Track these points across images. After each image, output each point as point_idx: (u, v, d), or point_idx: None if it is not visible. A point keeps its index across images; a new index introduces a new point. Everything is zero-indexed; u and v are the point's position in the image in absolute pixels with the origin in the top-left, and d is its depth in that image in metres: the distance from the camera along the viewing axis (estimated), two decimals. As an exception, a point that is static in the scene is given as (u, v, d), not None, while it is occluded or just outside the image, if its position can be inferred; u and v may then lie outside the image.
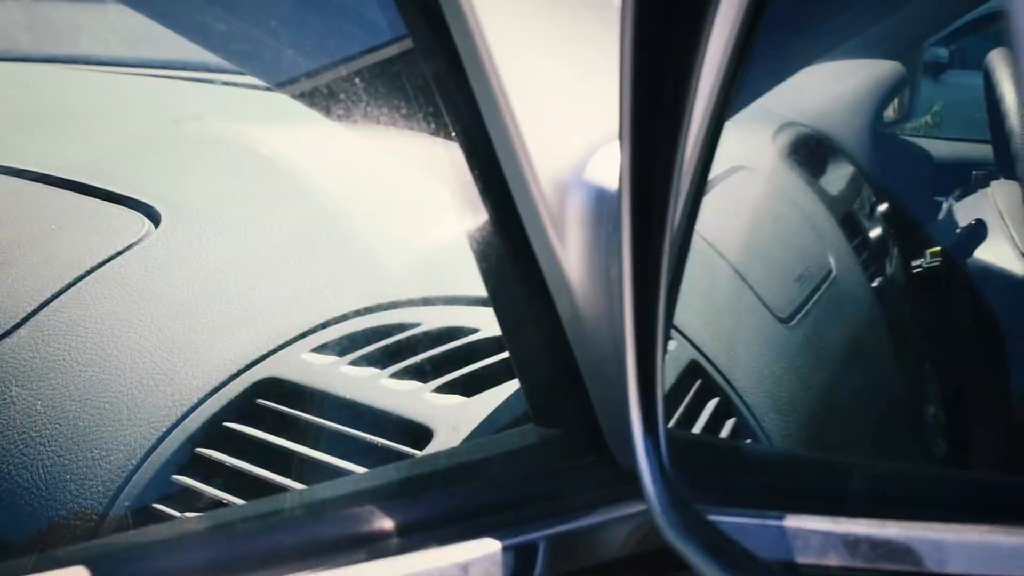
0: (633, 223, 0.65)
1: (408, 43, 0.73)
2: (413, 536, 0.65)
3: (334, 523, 0.66)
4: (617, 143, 0.66)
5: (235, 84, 1.53)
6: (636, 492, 0.66)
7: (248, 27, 0.85)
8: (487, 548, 0.66)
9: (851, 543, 0.57)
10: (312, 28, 0.85)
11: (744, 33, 0.67)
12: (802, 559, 0.59)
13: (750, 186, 0.93)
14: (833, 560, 0.58)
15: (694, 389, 0.93)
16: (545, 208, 0.70)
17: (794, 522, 0.60)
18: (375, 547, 0.64)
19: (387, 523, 0.65)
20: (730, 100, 0.69)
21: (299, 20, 0.84)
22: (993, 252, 0.86)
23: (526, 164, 0.69)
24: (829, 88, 0.98)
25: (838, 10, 0.78)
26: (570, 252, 0.71)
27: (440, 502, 0.70)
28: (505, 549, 0.66)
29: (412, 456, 0.84)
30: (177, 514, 0.85)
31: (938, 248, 0.83)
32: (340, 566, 0.62)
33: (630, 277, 0.66)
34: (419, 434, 0.85)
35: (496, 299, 0.77)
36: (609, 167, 0.71)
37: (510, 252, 0.73)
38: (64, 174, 1.20)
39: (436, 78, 0.71)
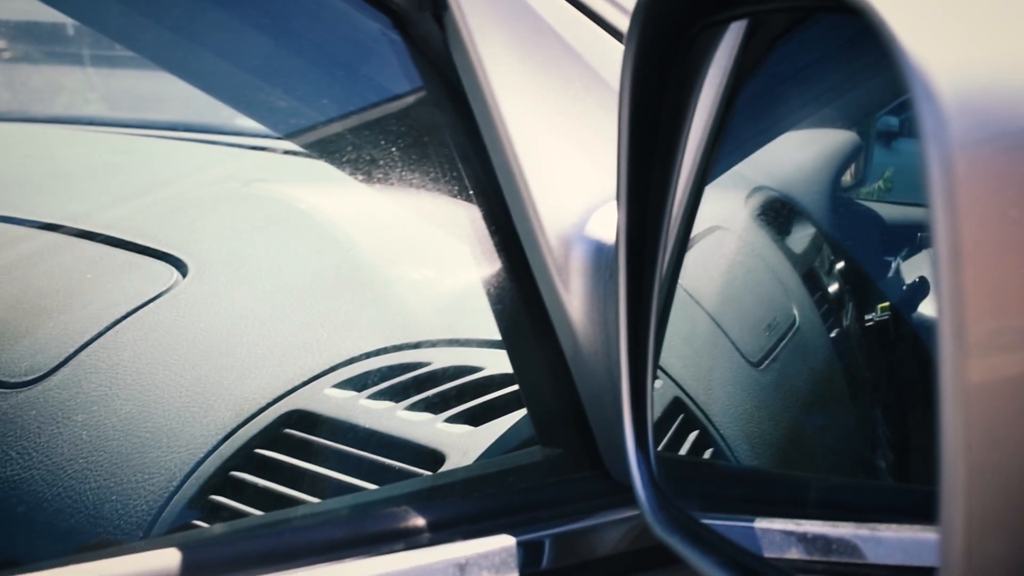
0: (627, 273, 0.76)
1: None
2: (442, 532, 0.75)
3: (377, 520, 0.75)
4: (614, 204, 0.77)
5: (241, 146, 1.57)
6: (628, 500, 0.76)
7: (272, 85, 0.95)
8: (503, 543, 0.75)
9: (809, 540, 0.66)
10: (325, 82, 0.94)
11: (720, 115, 0.78)
12: (769, 553, 0.69)
13: (726, 244, 0.98)
14: (794, 554, 0.67)
15: (677, 423, 0.99)
16: (551, 259, 0.80)
17: (762, 524, 0.69)
18: (410, 540, 0.74)
19: (419, 521, 0.75)
20: (709, 170, 0.80)
21: (309, 75, 0.93)
22: (934, 307, 0.92)
23: (535, 221, 0.80)
24: (794, 155, 1.01)
25: (799, 93, 0.89)
26: (573, 297, 0.81)
27: (462, 505, 0.79)
28: (518, 544, 0.75)
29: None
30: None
31: (887, 303, 0.87)
32: (383, 555, 0.71)
33: (625, 319, 0.76)
34: (433, 458, 0.93)
35: (508, 337, 0.87)
36: (607, 225, 0.81)
37: (521, 296, 0.83)
38: (92, 228, 1.24)
39: (458, 148, 0.82)
